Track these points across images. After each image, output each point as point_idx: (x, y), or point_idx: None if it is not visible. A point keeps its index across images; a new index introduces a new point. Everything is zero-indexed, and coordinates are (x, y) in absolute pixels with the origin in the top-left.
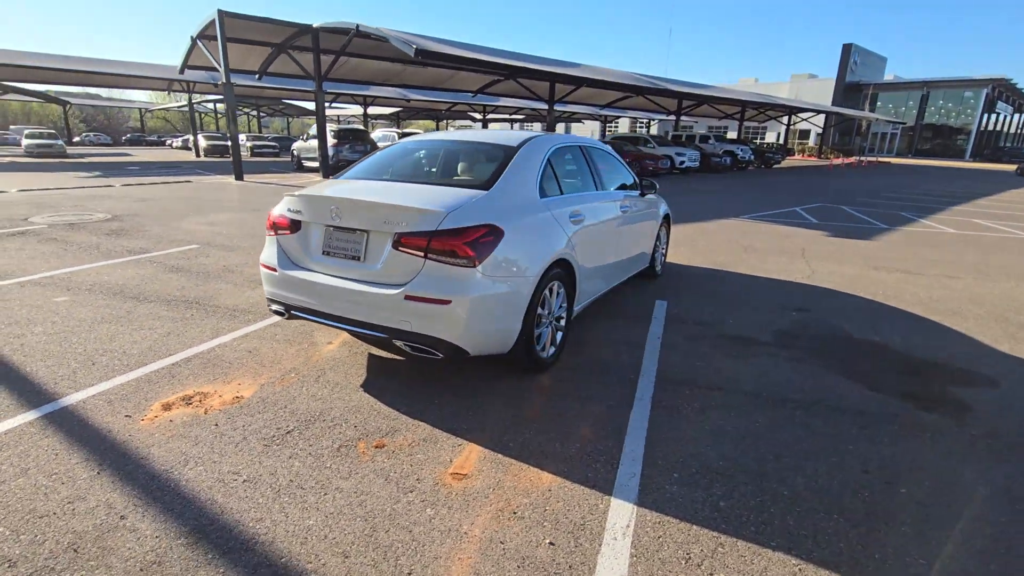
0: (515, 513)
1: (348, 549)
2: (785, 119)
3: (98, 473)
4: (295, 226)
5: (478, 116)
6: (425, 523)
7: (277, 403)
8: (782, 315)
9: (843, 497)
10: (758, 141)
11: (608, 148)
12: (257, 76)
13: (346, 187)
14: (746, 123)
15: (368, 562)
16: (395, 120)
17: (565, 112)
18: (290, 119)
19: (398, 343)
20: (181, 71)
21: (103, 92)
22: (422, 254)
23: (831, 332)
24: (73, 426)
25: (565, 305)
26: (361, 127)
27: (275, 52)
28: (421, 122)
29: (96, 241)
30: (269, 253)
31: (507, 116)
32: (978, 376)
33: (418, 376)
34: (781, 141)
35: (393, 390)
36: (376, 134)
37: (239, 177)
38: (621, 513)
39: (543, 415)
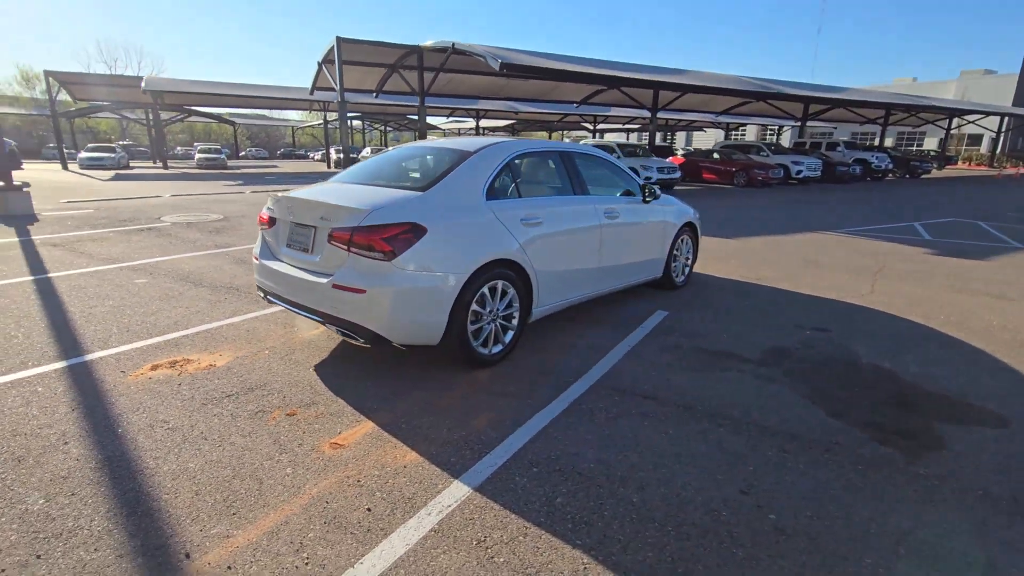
0: (358, 481)
1: (202, 489)
2: (945, 123)
3: (73, 410)
4: (272, 222)
5: (590, 126)
6: (278, 479)
7: (237, 372)
8: (791, 334)
9: (695, 513)
10: (914, 148)
11: (603, 155)
12: (375, 94)
13: (313, 189)
14: (900, 128)
15: (210, 500)
16: (510, 131)
17: (682, 120)
18: (416, 133)
19: (330, 327)
20: (311, 92)
21: (266, 112)
22: (346, 247)
23: (834, 355)
24: (81, 375)
25: (517, 305)
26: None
27: (388, 72)
28: (535, 133)
29: (197, 237)
30: (257, 246)
31: (619, 126)
32: (986, 414)
33: (371, 362)
34: (941, 148)
35: (340, 372)
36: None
37: None
38: (452, 495)
39: (453, 405)
